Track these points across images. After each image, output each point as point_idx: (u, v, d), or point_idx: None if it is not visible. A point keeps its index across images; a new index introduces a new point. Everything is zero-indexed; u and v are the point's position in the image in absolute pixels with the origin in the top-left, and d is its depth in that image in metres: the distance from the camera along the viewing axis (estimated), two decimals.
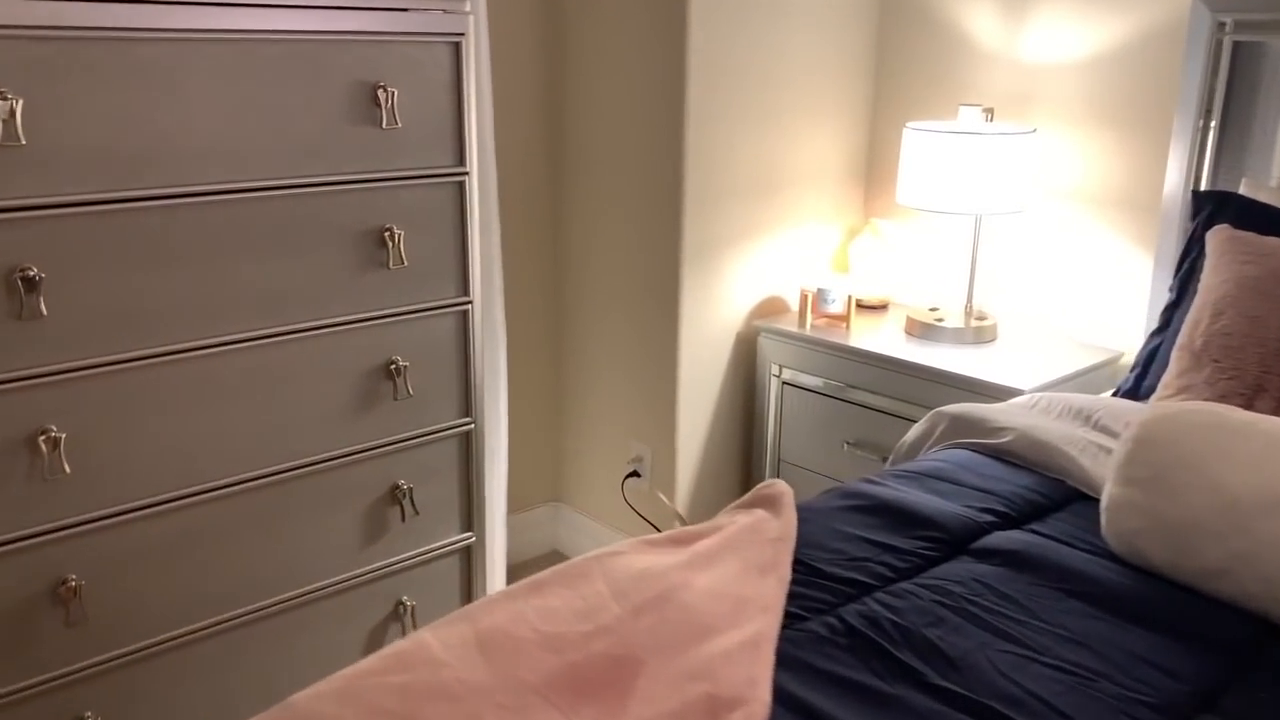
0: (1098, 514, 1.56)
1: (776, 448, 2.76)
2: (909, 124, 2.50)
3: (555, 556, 3.05)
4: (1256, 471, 1.31)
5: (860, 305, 2.76)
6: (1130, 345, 2.45)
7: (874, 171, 2.90)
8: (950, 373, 2.34)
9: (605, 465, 2.89)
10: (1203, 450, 1.37)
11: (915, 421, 2.38)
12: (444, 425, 2.11)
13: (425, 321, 2.03)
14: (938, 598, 1.31)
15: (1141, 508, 1.40)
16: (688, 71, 2.46)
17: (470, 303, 2.09)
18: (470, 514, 2.19)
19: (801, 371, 2.65)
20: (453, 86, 1.97)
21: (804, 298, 2.70)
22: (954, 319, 2.57)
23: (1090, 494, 1.63)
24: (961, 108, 2.43)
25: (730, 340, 2.74)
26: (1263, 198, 1.98)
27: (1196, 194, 2.05)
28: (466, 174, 2.02)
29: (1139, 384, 1.98)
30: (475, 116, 2.01)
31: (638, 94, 2.56)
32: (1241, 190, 2.11)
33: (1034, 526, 1.54)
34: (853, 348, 2.53)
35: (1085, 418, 1.85)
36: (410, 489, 2.07)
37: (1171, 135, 2.27)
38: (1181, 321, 1.95)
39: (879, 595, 1.32)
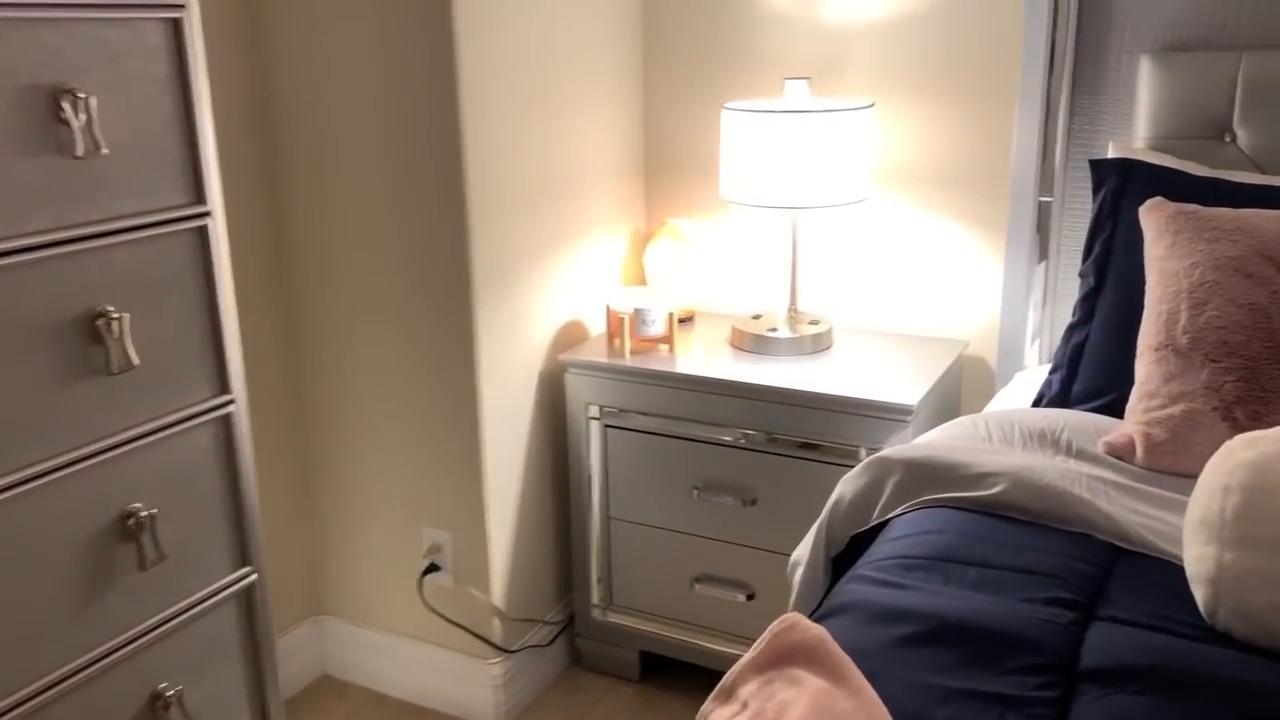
0: (1163, 577, 1.26)
1: (605, 505, 2.28)
2: (726, 104, 2.10)
3: (327, 682, 2.39)
4: None
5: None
6: (971, 334, 2.22)
7: (662, 163, 2.48)
8: (812, 393, 1.98)
9: (390, 563, 2.27)
10: None
11: (777, 455, 2.03)
12: (216, 587, 1.44)
13: (172, 442, 1.36)
14: None
15: (1274, 576, 1.09)
16: (457, 47, 1.89)
17: (233, 402, 1.43)
18: (266, 707, 1.53)
19: (626, 409, 2.19)
20: (175, 84, 1.30)
21: (614, 320, 2.24)
22: (784, 326, 2.22)
23: (1124, 546, 1.32)
24: (788, 82, 2.07)
25: (533, 381, 2.23)
26: (1152, 160, 1.78)
27: (1096, 163, 1.81)
28: (208, 214, 1.36)
29: (1068, 388, 1.72)
30: (211, 127, 1.35)
31: (386, 85, 1.96)
32: (1111, 153, 1.91)
33: (1113, 613, 1.20)
34: (683, 375, 2.11)
35: (1051, 442, 1.55)
36: (179, 693, 1.39)
37: (1016, 99, 2.04)
38: (1107, 311, 1.71)
39: None
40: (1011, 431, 1.58)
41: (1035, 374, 2.04)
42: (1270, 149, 1.80)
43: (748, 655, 1.10)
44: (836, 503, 1.58)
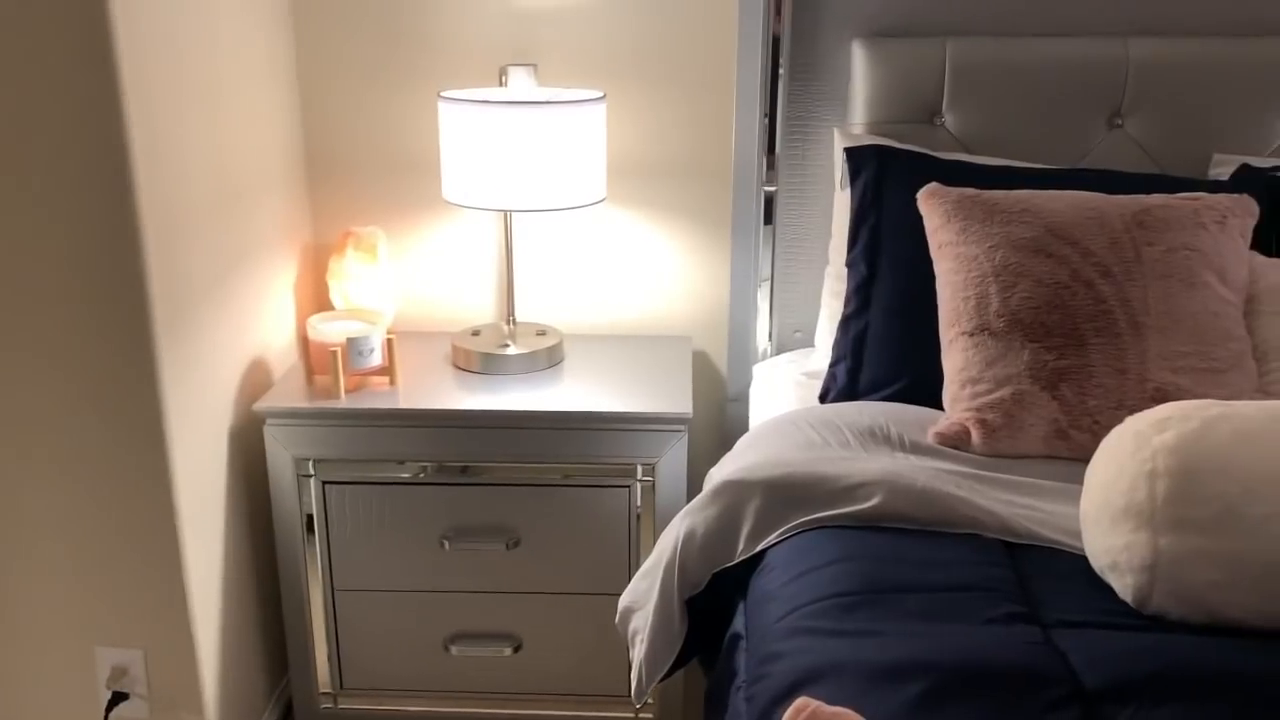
0: (1064, 567, 1.26)
1: (328, 578, 1.91)
2: (443, 93, 1.82)
3: None
4: None
5: None
6: (697, 329, 2.16)
7: (333, 165, 2.11)
8: (573, 413, 1.80)
9: (59, 697, 1.72)
10: (1269, 467, 1.13)
11: (539, 486, 1.82)
12: None
13: None
14: None
15: (1216, 555, 1.11)
16: (113, 24, 1.43)
17: None
18: None
19: (347, 459, 1.84)
20: None
21: (319, 354, 1.87)
22: (512, 341, 2.00)
23: (1011, 540, 1.30)
24: (511, 69, 1.83)
25: (223, 441, 1.79)
26: (893, 145, 1.81)
27: (852, 152, 1.79)
28: None
29: (855, 379, 1.69)
30: None
31: (24, 76, 1.44)
32: (837, 142, 1.92)
33: (1060, 617, 1.16)
34: (418, 410, 1.82)
35: (884, 438, 1.51)
36: None
37: (735, 88, 1.98)
38: (884, 299, 1.71)
39: None
40: (841, 432, 1.51)
41: (773, 366, 2.02)
42: (976, 131, 1.90)
43: None
44: (688, 538, 1.41)
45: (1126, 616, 1.16)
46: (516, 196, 1.77)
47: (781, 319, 2.10)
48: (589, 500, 1.85)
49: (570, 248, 2.12)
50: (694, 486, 2.10)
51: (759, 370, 2.04)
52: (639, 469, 1.83)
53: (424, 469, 1.84)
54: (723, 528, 1.40)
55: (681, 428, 1.81)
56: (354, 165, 2.09)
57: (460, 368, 1.98)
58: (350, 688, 1.97)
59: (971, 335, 1.51)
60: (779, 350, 2.10)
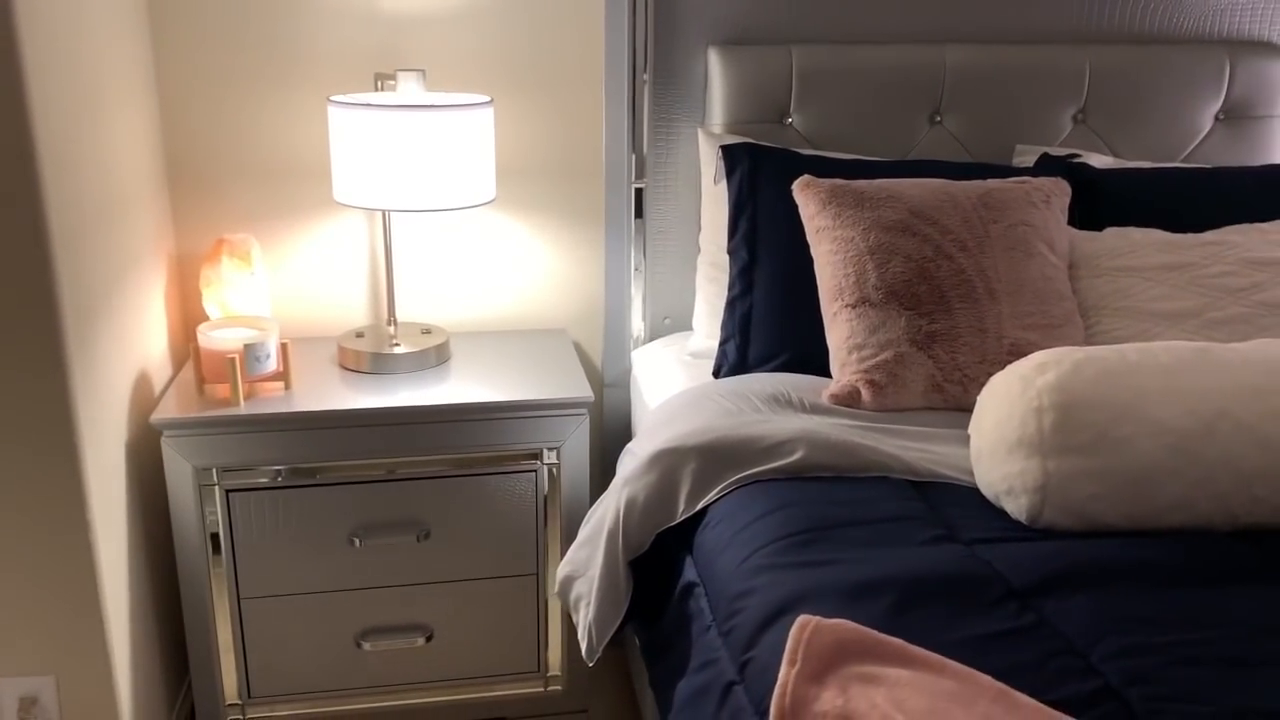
0: (962, 497, 1.47)
1: (234, 587, 1.89)
2: (332, 97, 1.84)
3: None
4: (1182, 400, 1.37)
5: None
6: (573, 320, 2.28)
7: (199, 173, 2.07)
8: (475, 404, 1.87)
9: None
10: (1128, 396, 1.37)
11: (447, 478, 1.88)
12: None
13: None
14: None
15: (1094, 472, 1.35)
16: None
17: None
18: None
19: (250, 467, 1.84)
20: None
21: (213, 362, 1.86)
22: (401, 340, 2.05)
23: (914, 479, 1.51)
24: (400, 74, 1.88)
25: (121, 456, 1.75)
26: (763, 144, 1.99)
27: (727, 149, 1.96)
28: None
29: (744, 354, 1.86)
30: None
31: None
32: (701, 141, 2.10)
33: (974, 535, 1.37)
34: (320, 412, 1.85)
35: (787, 402, 1.68)
36: None
37: (604, 91, 2.11)
38: (766, 281, 1.88)
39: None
40: (750, 399, 1.68)
41: (652, 351, 2.16)
42: (820, 130, 2.12)
43: (788, 672, 1.06)
44: (630, 505, 1.53)
45: (1022, 531, 1.38)
46: (409, 198, 1.82)
47: (652, 307, 2.24)
48: (497, 487, 1.93)
49: (448, 247, 2.19)
50: (593, 467, 2.23)
51: (638, 356, 2.18)
52: (546, 453, 1.93)
53: (329, 470, 1.87)
54: (662, 492, 1.53)
55: (584, 411, 1.93)
56: (219, 173, 2.07)
57: (349, 369, 2.01)
58: (259, 696, 1.96)
59: (854, 307, 1.71)
60: (651, 337, 2.25)
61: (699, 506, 1.51)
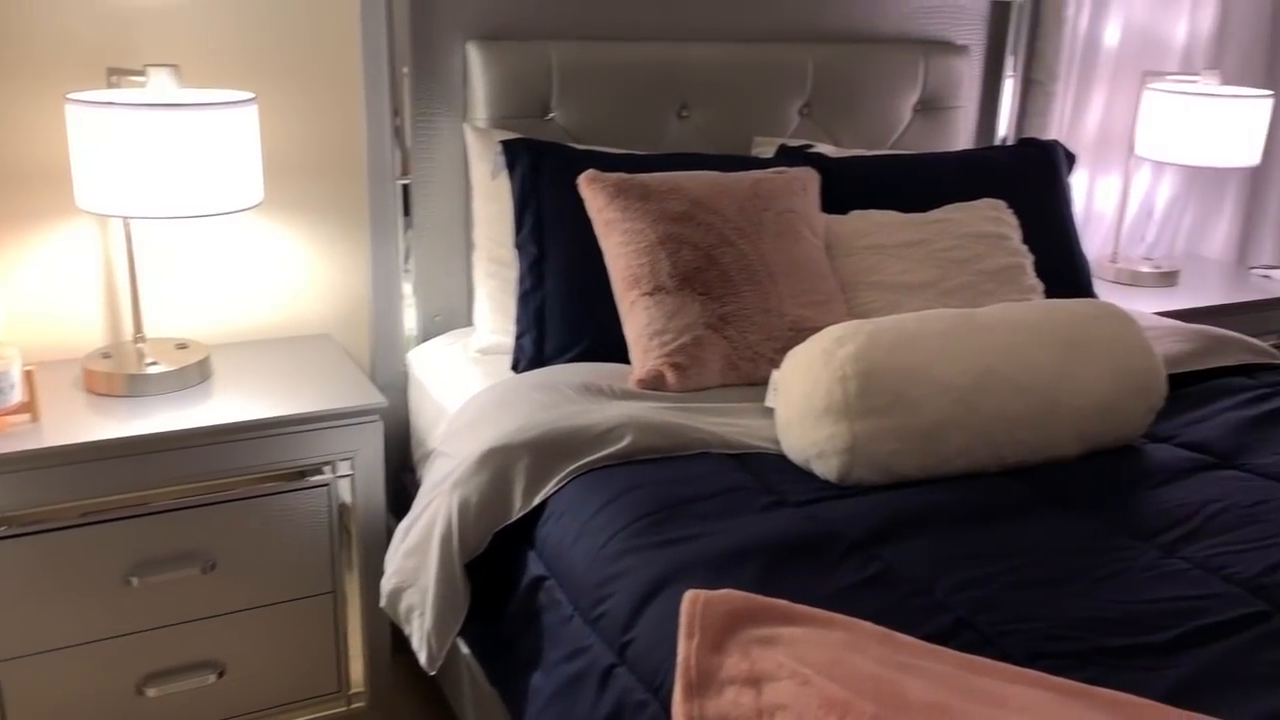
0: (773, 464, 1.59)
1: None
2: (70, 95, 1.66)
3: None
4: (958, 361, 1.56)
5: None
6: (339, 322, 2.20)
7: None
8: (255, 421, 1.76)
9: None
10: (917, 361, 1.54)
11: (232, 502, 1.78)
12: None
13: None
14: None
15: (894, 430, 1.51)
16: None
17: None
18: None
19: (1, 514, 1.63)
20: None
21: None
22: (158, 358, 1.89)
23: (730, 452, 1.61)
24: (151, 70, 1.72)
25: None
26: (541, 139, 2.02)
27: (508, 145, 1.95)
28: None
29: (540, 347, 1.89)
30: None
31: None
32: (468, 136, 2.09)
33: (796, 498, 1.48)
34: (79, 445, 1.67)
35: (598, 390, 1.73)
36: None
37: (362, 88, 2.04)
38: (557, 274, 1.91)
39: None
40: (562, 390, 1.71)
41: (432, 351, 2.13)
42: (581, 124, 2.18)
43: (689, 645, 1.12)
44: (463, 507, 1.53)
45: (836, 489, 1.52)
46: (166, 203, 1.67)
47: (423, 306, 2.20)
48: (286, 506, 1.83)
49: (201, 254, 2.03)
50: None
51: (416, 356, 2.13)
52: (340, 464, 1.85)
53: (95, 507, 1.69)
54: (496, 490, 1.53)
55: (376, 418, 1.87)
56: None
57: (100, 393, 1.82)
58: None
59: (651, 295, 1.79)
60: (425, 336, 2.21)
61: (537, 501, 1.52)
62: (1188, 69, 2.89)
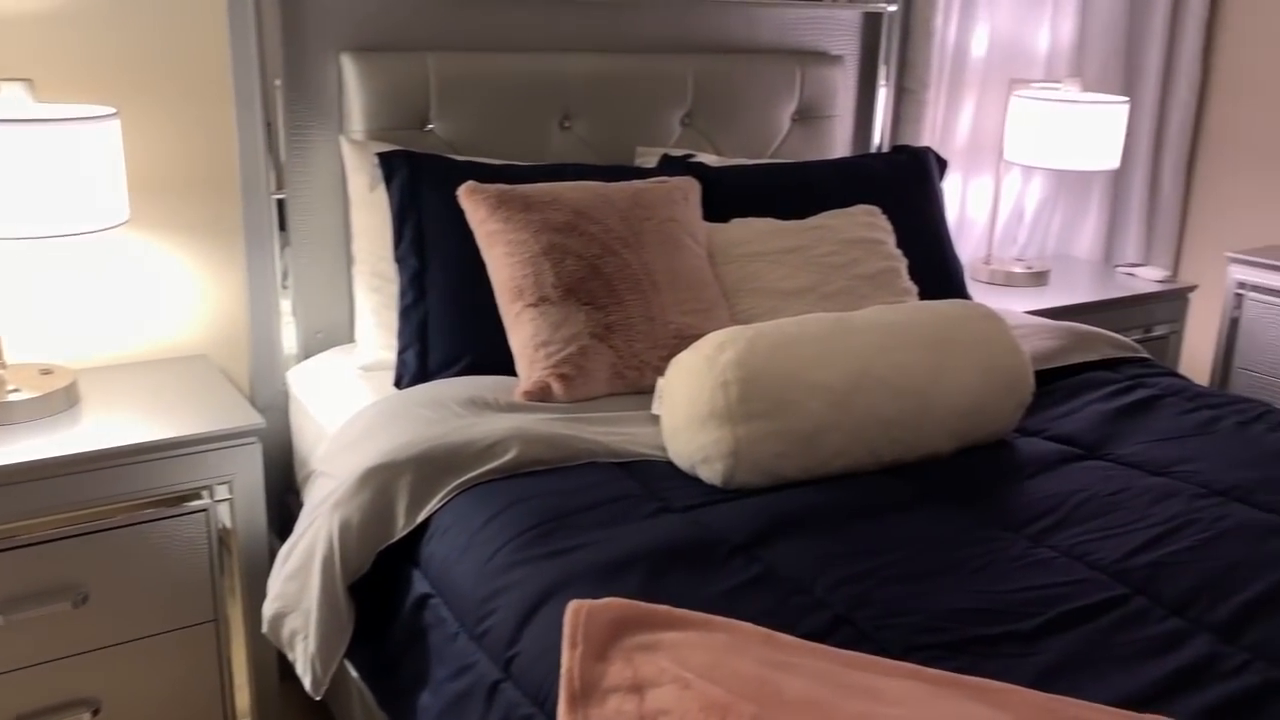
0: (658, 470, 1.60)
1: None
2: None
3: None
4: (834, 363, 1.59)
5: None
6: (207, 346, 2.13)
7: None
8: (128, 446, 1.69)
9: None
10: (795, 365, 1.56)
11: (101, 533, 1.71)
12: None
13: None
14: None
15: (775, 433, 1.53)
16: None
17: None
18: None
19: None
20: None
21: None
22: (20, 385, 1.81)
23: (616, 460, 1.62)
24: (1, 84, 1.65)
25: None
26: (418, 151, 2.00)
27: (385, 157, 1.92)
28: None
29: (424, 361, 1.86)
30: None
31: None
32: (345, 149, 2.06)
33: (683, 503, 1.49)
34: None
35: (485, 404, 1.72)
36: None
37: (233, 101, 1.99)
38: (440, 287, 1.90)
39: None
40: (448, 406, 1.69)
41: (314, 368, 2.09)
42: (461, 135, 2.17)
43: (572, 655, 1.13)
44: (344, 528, 1.50)
45: (721, 494, 1.54)
46: (19, 224, 1.61)
47: (303, 323, 2.16)
48: (161, 534, 1.77)
49: (65, 274, 1.95)
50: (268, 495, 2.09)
51: (296, 375, 2.09)
52: (219, 489, 1.80)
53: None
54: (378, 509, 1.51)
55: (254, 440, 1.82)
56: None
57: None
58: None
59: (536, 306, 1.79)
60: (305, 354, 2.16)
61: (420, 518, 1.50)
62: (1051, 77, 3.02)
